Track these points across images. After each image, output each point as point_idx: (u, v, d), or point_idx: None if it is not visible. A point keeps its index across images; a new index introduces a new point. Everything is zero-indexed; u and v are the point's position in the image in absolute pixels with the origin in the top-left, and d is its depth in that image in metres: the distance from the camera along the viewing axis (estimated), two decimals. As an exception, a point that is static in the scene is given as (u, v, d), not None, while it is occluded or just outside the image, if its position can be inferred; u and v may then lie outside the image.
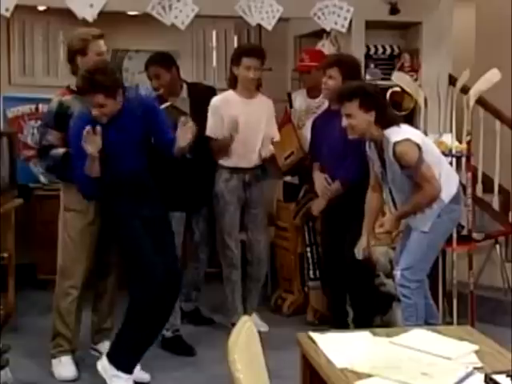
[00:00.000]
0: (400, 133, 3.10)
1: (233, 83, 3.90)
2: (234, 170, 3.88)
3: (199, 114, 3.71)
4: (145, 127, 3.14)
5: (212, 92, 4.02)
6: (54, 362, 3.41)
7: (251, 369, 1.75)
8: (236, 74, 3.84)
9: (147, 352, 3.30)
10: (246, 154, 3.87)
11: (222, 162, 3.89)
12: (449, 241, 3.61)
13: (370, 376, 1.78)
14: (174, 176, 3.62)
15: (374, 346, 2.01)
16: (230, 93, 3.89)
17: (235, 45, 5.44)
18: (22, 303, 4.36)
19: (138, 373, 3.24)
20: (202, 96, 3.89)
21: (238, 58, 3.81)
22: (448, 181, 3.20)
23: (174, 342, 3.77)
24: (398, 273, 3.26)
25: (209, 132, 3.82)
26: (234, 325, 4.18)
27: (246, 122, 3.81)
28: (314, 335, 2.08)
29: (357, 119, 3.10)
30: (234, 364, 1.66)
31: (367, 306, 3.82)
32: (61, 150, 3.28)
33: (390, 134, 3.09)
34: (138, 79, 5.35)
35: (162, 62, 3.86)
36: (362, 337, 2.09)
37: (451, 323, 3.75)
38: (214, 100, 3.86)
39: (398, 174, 3.15)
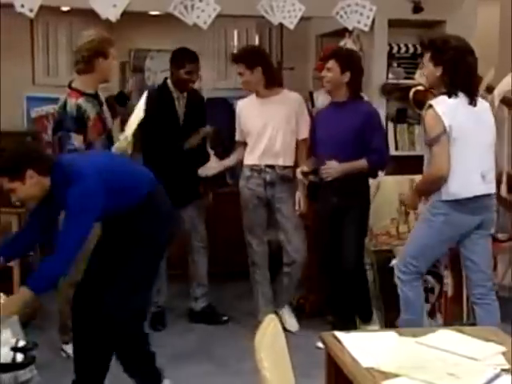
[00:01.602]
0: (444, 103, 3.07)
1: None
2: (255, 169, 3.92)
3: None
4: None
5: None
6: (68, 346, 3.49)
7: (277, 367, 1.76)
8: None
9: (168, 350, 3.36)
10: (266, 152, 3.89)
11: (246, 161, 3.96)
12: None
13: (396, 376, 1.78)
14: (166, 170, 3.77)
15: (399, 345, 2.00)
16: (253, 95, 3.98)
17: (257, 44, 5.45)
18: (46, 300, 4.41)
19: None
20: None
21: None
22: (454, 180, 3.11)
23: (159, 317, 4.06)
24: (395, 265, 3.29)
25: (236, 136, 4.03)
26: (260, 323, 4.21)
27: (262, 121, 3.86)
28: (340, 334, 2.07)
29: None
30: (260, 362, 1.66)
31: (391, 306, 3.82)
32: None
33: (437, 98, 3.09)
34: (159, 78, 5.41)
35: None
36: (388, 337, 2.08)
37: (475, 324, 3.73)
38: (238, 103, 4.04)
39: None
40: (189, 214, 4.06)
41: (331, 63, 3.61)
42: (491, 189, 3.25)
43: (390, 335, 2.10)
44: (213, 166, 4.00)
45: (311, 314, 4.32)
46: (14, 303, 2.69)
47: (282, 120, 3.87)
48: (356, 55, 3.80)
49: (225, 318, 4.17)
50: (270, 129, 3.86)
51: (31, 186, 2.65)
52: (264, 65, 3.84)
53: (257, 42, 5.46)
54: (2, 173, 2.65)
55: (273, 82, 3.89)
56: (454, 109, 3.09)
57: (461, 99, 3.10)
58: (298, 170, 3.77)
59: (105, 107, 3.56)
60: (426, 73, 3.22)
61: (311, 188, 4.43)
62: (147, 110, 3.55)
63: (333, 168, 3.59)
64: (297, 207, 3.88)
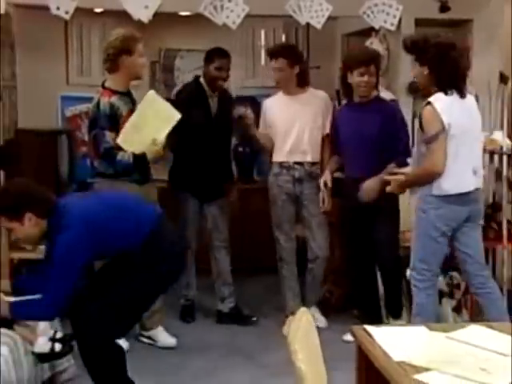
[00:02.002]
0: (442, 100, 3.06)
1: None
2: (284, 166, 3.93)
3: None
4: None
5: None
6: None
7: (311, 359, 1.76)
8: None
9: (197, 342, 3.42)
10: (295, 149, 3.90)
11: (274, 158, 3.99)
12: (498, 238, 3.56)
13: (427, 370, 1.76)
14: (185, 163, 3.89)
15: (430, 340, 1.99)
16: (280, 94, 4.01)
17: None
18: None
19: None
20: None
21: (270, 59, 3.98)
22: (448, 177, 3.10)
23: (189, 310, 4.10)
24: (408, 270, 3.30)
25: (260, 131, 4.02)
26: (287, 317, 4.24)
27: (285, 119, 3.88)
28: (370, 328, 2.06)
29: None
30: (295, 354, 1.67)
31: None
32: (128, 155, 3.35)
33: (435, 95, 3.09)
34: (188, 78, 5.43)
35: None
36: (419, 331, 2.07)
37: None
38: (264, 101, 4.06)
39: (416, 143, 3.22)
40: (212, 213, 4.07)
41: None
42: (480, 183, 3.27)
43: (420, 330, 2.08)
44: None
45: (337, 308, 4.32)
46: None
47: (310, 118, 3.89)
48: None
49: (254, 319, 4.13)
50: (297, 126, 3.88)
51: (29, 227, 2.64)
52: (302, 63, 3.91)
53: (284, 41, 5.46)
54: (1, 212, 2.64)
55: (305, 81, 3.93)
56: (451, 106, 3.08)
57: (454, 95, 3.10)
58: (322, 181, 3.78)
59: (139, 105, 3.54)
60: (413, 75, 3.22)
61: (334, 184, 4.44)
62: (179, 108, 3.59)
63: (371, 189, 3.54)
64: (321, 204, 3.87)
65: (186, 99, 3.96)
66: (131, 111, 3.45)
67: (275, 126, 3.94)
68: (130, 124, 3.31)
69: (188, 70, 5.43)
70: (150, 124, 3.33)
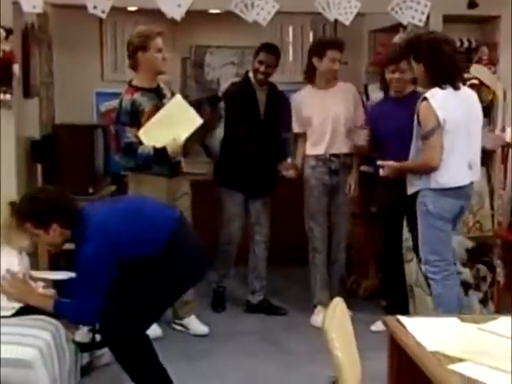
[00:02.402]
0: (438, 95, 3.10)
1: (310, 76, 3.98)
2: (320, 158, 3.93)
3: None
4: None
5: None
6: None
7: (346, 348, 1.78)
8: (317, 66, 3.90)
9: (227, 330, 3.57)
10: (331, 143, 3.91)
11: (308, 151, 3.98)
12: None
13: (461, 360, 1.77)
14: (233, 159, 3.88)
15: (462, 331, 2.00)
16: (309, 87, 4.00)
17: (311, 40, 5.45)
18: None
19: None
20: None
21: (321, 51, 3.89)
22: (445, 171, 3.15)
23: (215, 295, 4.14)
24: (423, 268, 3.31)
25: (293, 128, 4.02)
26: (315, 306, 4.25)
27: (321, 112, 3.89)
28: (403, 318, 2.08)
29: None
30: (332, 342, 1.69)
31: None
32: (148, 148, 3.40)
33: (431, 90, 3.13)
34: (218, 74, 5.48)
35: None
36: (450, 322, 2.08)
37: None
38: (295, 96, 4.02)
39: (414, 137, 3.19)
40: (256, 208, 4.07)
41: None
42: (476, 176, 3.33)
43: (452, 321, 2.09)
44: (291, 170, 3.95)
45: (363, 298, 4.33)
46: (36, 301, 2.75)
47: (343, 110, 3.91)
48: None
49: (283, 312, 4.14)
50: (332, 119, 3.89)
51: (54, 237, 2.68)
52: None
53: (311, 38, 5.45)
54: (28, 218, 2.67)
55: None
56: (446, 101, 3.11)
57: (449, 89, 3.13)
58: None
59: (169, 101, 3.55)
60: (415, 75, 3.26)
61: (364, 178, 4.43)
62: (229, 103, 3.60)
63: (390, 168, 3.45)
64: (347, 191, 3.90)
65: (235, 94, 3.97)
66: (156, 106, 3.48)
67: (310, 119, 3.94)
68: (154, 120, 3.38)
69: (218, 65, 5.47)
70: (173, 124, 3.38)
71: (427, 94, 3.11)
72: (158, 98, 3.54)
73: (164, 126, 3.35)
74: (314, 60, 3.92)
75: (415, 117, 3.18)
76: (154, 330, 3.28)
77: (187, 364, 3.35)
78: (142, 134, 3.41)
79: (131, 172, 3.57)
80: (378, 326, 3.64)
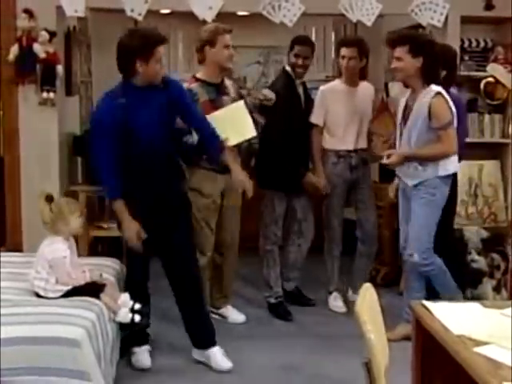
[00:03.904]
0: (443, 92, 3.16)
1: (338, 72, 3.98)
2: (341, 154, 3.85)
3: None
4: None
5: None
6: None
7: (377, 330, 1.78)
8: (339, 64, 3.90)
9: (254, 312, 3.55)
10: (351, 138, 3.84)
11: (329, 146, 3.88)
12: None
13: (486, 344, 1.76)
14: (275, 157, 3.72)
15: (486, 316, 1.98)
16: (337, 81, 3.94)
17: (333, 40, 5.42)
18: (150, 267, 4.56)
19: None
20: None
21: (338, 49, 3.88)
22: (453, 158, 3.24)
23: (277, 307, 3.88)
24: (415, 256, 3.23)
25: (313, 119, 3.84)
26: (330, 293, 4.20)
27: (348, 109, 3.81)
28: (428, 303, 2.07)
29: (404, 62, 3.16)
30: (364, 325, 1.69)
31: (459, 280, 3.74)
32: (193, 138, 3.28)
33: (432, 87, 3.15)
34: (244, 72, 5.48)
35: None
36: (474, 307, 2.06)
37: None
38: (321, 89, 3.90)
39: (418, 129, 3.17)
40: (302, 204, 3.89)
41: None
42: None
43: (475, 306, 2.08)
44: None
45: (382, 285, 4.31)
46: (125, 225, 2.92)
47: (366, 108, 3.86)
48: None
49: (312, 302, 4.04)
50: (358, 117, 3.83)
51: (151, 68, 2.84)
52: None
53: (333, 39, 5.42)
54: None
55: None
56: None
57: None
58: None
59: (229, 99, 3.43)
60: (400, 66, 3.18)
61: (384, 171, 4.41)
62: (277, 101, 3.60)
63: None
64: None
65: (282, 91, 3.75)
66: (212, 101, 3.37)
67: (337, 115, 3.81)
68: (213, 115, 3.26)
69: (244, 64, 5.48)
70: (228, 127, 3.23)
71: (438, 89, 3.14)
72: (217, 92, 3.43)
73: (220, 125, 3.19)
74: (337, 58, 3.92)
75: (423, 111, 3.15)
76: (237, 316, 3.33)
77: (231, 343, 3.33)
78: None
79: (185, 165, 3.41)
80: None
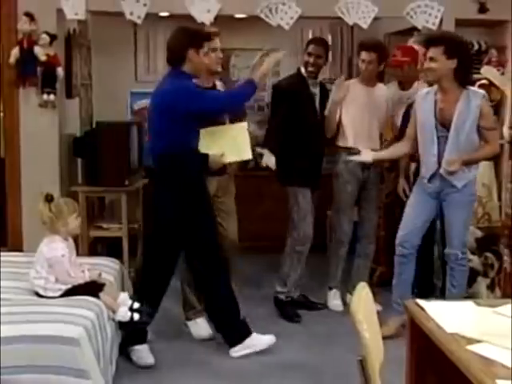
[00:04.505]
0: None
1: (357, 73, 4.00)
2: (354, 152, 3.70)
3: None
4: None
5: None
6: (190, 323, 3.47)
7: (371, 329, 1.77)
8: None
9: (260, 311, 3.52)
10: (364, 136, 3.79)
11: (342, 143, 3.82)
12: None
13: (479, 342, 1.76)
14: (291, 154, 3.70)
15: (479, 314, 1.98)
16: (354, 80, 3.92)
17: (329, 42, 5.39)
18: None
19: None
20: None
21: (358, 52, 3.85)
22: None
23: (285, 306, 3.83)
24: (458, 253, 3.32)
25: (326, 112, 3.78)
26: (331, 289, 4.16)
27: (363, 107, 3.76)
28: (422, 302, 2.06)
29: (438, 63, 3.12)
30: (360, 324, 1.68)
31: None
32: None
33: (474, 89, 3.19)
34: (243, 74, 5.45)
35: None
36: (467, 306, 2.06)
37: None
38: (337, 83, 3.83)
39: (466, 131, 3.15)
40: (300, 203, 3.74)
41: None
42: None
43: (468, 305, 2.07)
44: None
45: (378, 285, 4.30)
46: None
47: (380, 108, 3.84)
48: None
49: (320, 306, 3.93)
50: (371, 116, 3.80)
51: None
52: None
53: (330, 41, 5.40)
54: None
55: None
56: None
57: None
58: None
59: None
60: (436, 67, 3.12)
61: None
62: (282, 100, 3.58)
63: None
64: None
65: (284, 86, 3.75)
66: None
67: (351, 113, 3.75)
68: (217, 129, 3.25)
69: (242, 67, 5.45)
70: (228, 144, 3.23)
71: (483, 92, 3.21)
72: None
73: (219, 140, 3.20)
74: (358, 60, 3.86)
75: (474, 112, 3.13)
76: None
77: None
78: (203, 132, 3.24)
79: None
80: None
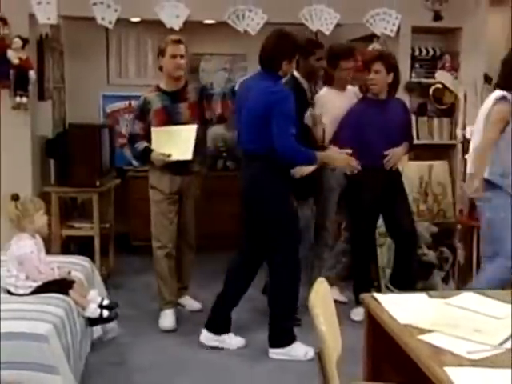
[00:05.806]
0: None
1: (329, 80, 3.75)
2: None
3: None
4: None
5: None
6: (161, 314, 3.46)
7: (329, 322, 1.76)
8: (332, 74, 3.70)
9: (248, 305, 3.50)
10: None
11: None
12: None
13: (430, 332, 1.77)
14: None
15: (431, 306, 1.99)
16: (325, 89, 3.77)
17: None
18: (120, 265, 4.51)
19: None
20: None
21: (331, 59, 3.66)
22: None
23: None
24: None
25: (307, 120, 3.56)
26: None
27: (343, 111, 3.59)
28: (377, 295, 2.06)
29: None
30: (317, 318, 1.67)
31: (411, 272, 3.74)
32: (143, 145, 3.39)
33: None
34: (212, 78, 5.43)
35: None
36: (420, 298, 2.07)
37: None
38: (321, 92, 3.76)
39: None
40: (304, 213, 3.50)
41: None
42: None
43: (422, 297, 2.08)
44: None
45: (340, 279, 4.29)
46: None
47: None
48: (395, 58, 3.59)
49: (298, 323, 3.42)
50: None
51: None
52: None
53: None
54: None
55: None
56: None
57: None
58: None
59: (182, 104, 3.39)
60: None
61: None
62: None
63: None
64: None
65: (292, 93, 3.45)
66: (165, 108, 3.39)
67: (335, 119, 3.61)
68: (169, 129, 3.37)
69: (211, 71, 5.43)
70: (176, 143, 3.32)
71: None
72: (173, 100, 3.39)
73: (166, 139, 3.34)
74: (329, 69, 3.69)
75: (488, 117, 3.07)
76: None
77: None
78: (154, 130, 3.39)
79: (148, 165, 3.50)
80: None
